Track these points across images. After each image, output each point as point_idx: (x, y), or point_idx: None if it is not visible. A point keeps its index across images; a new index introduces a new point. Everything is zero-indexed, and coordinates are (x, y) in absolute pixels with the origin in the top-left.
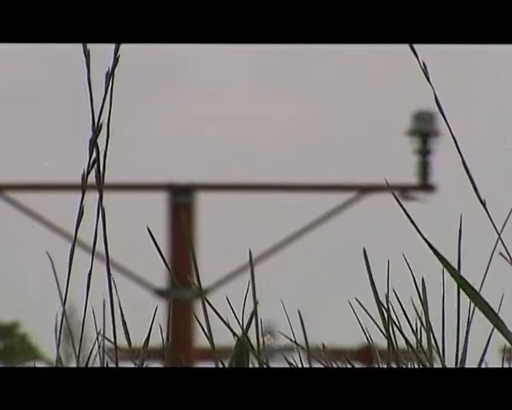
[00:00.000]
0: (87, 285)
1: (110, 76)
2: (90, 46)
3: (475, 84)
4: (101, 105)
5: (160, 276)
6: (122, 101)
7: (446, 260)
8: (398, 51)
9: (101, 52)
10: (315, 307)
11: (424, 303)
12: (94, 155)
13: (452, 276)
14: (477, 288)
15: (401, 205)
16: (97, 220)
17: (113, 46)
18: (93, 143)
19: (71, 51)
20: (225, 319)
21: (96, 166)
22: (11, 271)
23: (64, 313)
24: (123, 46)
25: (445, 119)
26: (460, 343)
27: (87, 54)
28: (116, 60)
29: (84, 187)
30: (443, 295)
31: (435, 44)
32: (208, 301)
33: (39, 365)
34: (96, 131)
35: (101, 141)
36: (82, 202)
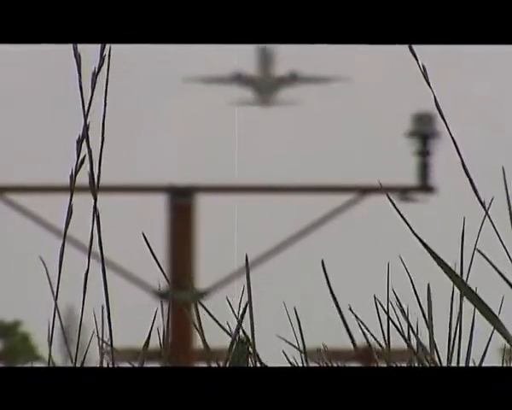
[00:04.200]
0: (84, 287)
1: (96, 76)
2: (82, 47)
3: (475, 84)
4: (88, 105)
5: (159, 278)
6: (122, 102)
7: (445, 262)
8: (398, 52)
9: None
10: (314, 309)
11: (424, 305)
12: (82, 155)
13: (452, 280)
14: (477, 288)
15: (398, 211)
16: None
17: (118, 47)
18: (80, 144)
19: (67, 51)
20: (224, 321)
21: (88, 166)
22: (12, 270)
23: (58, 313)
24: (123, 47)
25: (444, 120)
26: (461, 344)
27: (78, 55)
28: (102, 60)
29: (72, 187)
30: (452, 298)
31: (435, 45)
32: (203, 304)
33: (40, 365)
34: (84, 131)
35: (96, 142)
36: (71, 202)
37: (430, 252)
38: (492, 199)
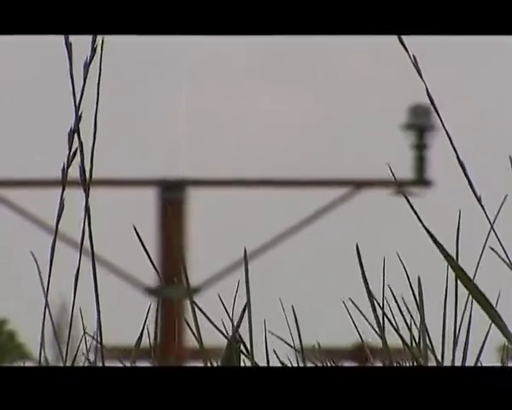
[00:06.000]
0: (75, 284)
1: (87, 67)
2: (74, 38)
3: (472, 77)
4: (80, 97)
5: (150, 274)
6: (113, 94)
7: (446, 250)
8: (394, 44)
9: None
10: (309, 305)
11: (419, 300)
12: (74, 147)
13: (451, 266)
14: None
15: (411, 204)
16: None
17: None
18: (72, 136)
19: (55, 43)
20: (217, 318)
21: (79, 160)
22: (1, 268)
23: (48, 311)
24: (115, 38)
25: (437, 113)
26: (459, 342)
27: (69, 46)
28: (94, 51)
29: (64, 181)
30: (446, 292)
31: (431, 36)
32: (195, 301)
33: (27, 363)
34: (76, 123)
35: (90, 136)
36: (62, 196)
37: (437, 244)
38: (505, 199)
